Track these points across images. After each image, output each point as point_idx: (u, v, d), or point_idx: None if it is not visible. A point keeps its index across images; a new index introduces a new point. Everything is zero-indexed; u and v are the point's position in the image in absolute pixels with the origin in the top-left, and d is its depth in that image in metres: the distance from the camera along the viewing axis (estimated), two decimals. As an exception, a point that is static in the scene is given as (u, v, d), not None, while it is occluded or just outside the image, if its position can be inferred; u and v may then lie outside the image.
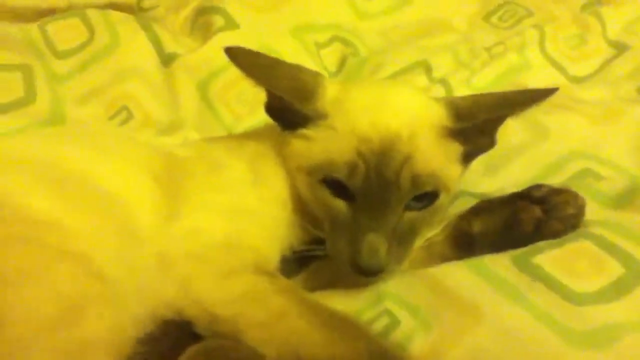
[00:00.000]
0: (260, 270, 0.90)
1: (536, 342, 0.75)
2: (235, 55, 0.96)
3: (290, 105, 0.94)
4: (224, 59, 0.96)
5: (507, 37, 1.64)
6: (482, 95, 1.01)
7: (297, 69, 1.00)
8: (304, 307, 0.83)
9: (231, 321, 0.83)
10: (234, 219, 0.96)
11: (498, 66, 1.55)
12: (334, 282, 0.97)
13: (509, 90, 1.07)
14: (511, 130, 1.20)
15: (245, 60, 0.97)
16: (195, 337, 0.84)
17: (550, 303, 0.78)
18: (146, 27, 1.61)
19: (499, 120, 0.97)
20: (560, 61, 1.59)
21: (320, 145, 0.94)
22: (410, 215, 0.92)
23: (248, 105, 1.48)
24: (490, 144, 1.01)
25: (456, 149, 0.96)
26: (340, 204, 0.92)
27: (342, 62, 1.66)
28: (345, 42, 1.69)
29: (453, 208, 1.07)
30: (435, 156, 0.93)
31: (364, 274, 0.89)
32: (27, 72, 1.45)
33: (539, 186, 0.95)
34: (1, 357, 0.67)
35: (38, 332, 0.70)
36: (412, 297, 0.85)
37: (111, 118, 1.46)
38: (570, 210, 0.91)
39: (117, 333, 0.77)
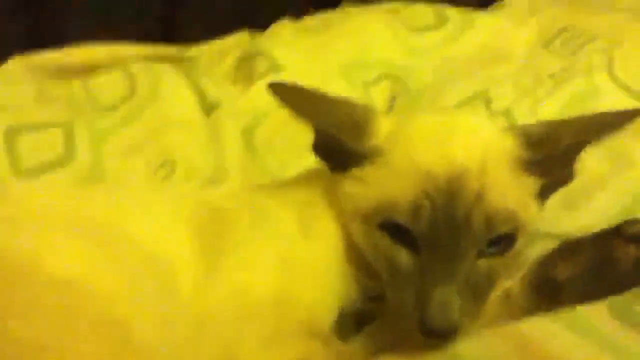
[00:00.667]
0: (313, 332, 0.81)
1: None
2: (280, 90, 0.90)
3: (340, 143, 0.88)
4: (268, 103, 0.89)
5: (572, 63, 1.53)
6: (556, 121, 0.93)
7: (346, 103, 0.94)
8: None
9: None
10: (283, 275, 0.88)
11: (564, 94, 1.43)
12: (398, 344, 0.85)
13: (586, 114, 0.97)
14: (587, 159, 1.09)
15: (290, 95, 0.91)
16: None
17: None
18: (189, 76, 1.60)
19: (578, 148, 0.88)
20: (631, 84, 1.45)
21: (377, 185, 0.86)
22: (484, 262, 0.81)
23: (295, 150, 1.40)
24: (569, 176, 0.91)
25: (532, 182, 0.87)
26: (402, 252, 0.83)
27: (392, 100, 1.58)
28: (394, 79, 1.62)
29: (530, 251, 0.94)
30: (510, 192, 0.83)
31: (434, 335, 0.78)
32: (68, 129, 1.43)
33: (632, 222, 0.84)
34: None
35: None
36: (496, 360, 0.74)
37: (154, 172, 1.42)
38: None
39: None
